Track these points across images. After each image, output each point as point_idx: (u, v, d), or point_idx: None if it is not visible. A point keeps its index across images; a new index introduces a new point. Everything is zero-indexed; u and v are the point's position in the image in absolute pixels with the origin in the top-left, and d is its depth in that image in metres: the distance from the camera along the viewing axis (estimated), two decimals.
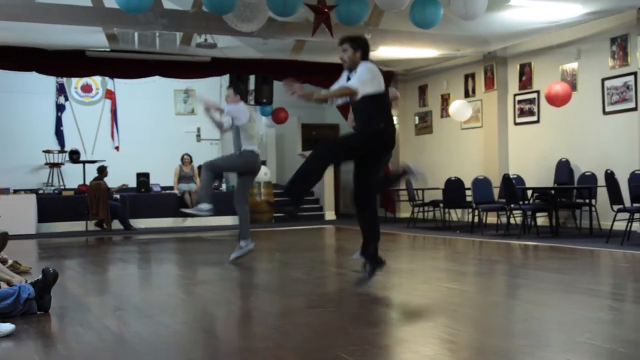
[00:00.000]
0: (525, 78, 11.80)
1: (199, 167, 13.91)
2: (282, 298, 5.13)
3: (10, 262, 6.27)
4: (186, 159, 13.45)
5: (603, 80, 10.20)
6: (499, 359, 3.24)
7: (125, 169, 13.34)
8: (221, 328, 4.33)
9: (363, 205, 5.25)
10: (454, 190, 10.88)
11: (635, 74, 9.63)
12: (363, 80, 4.85)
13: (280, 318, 4.52)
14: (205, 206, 6.82)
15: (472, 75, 12.82)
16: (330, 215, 14.19)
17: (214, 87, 15.04)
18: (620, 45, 9.95)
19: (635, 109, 9.65)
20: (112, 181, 12.70)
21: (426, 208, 12.05)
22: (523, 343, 3.54)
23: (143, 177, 13.35)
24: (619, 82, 9.94)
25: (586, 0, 8.53)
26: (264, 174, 13.70)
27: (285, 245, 9.76)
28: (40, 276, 4.50)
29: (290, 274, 6.22)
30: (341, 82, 5.11)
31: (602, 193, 9.12)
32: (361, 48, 4.99)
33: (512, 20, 9.63)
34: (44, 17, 8.70)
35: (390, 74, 14.29)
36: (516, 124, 12.00)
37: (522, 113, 11.85)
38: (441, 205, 11.47)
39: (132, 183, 13.31)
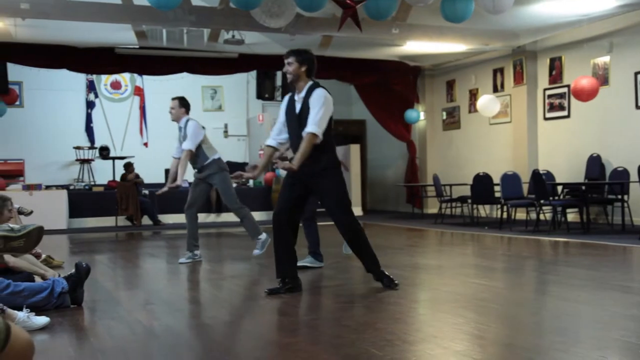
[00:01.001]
0: (556, 72, 11.64)
1: (227, 163, 14.07)
2: (310, 293, 5.14)
3: (43, 256, 6.39)
4: None
5: (636, 74, 10.02)
6: (530, 356, 3.21)
7: (154, 165, 13.49)
8: (250, 322, 4.35)
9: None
10: (482, 186, 10.79)
11: None
12: (318, 120, 4.70)
13: (309, 313, 4.54)
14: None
15: (501, 70, 12.69)
16: (357, 211, 14.16)
17: (241, 84, 15.12)
18: None
19: None
20: (142, 177, 12.84)
21: (454, 204, 11.97)
22: (555, 340, 3.50)
23: None
24: None
25: None
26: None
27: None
28: (73, 270, 4.58)
29: (317, 269, 6.22)
30: (281, 120, 5.02)
31: (635, 189, 8.98)
32: (307, 64, 4.86)
33: (542, 13, 9.50)
34: (75, 15, 8.82)
35: (418, 69, 14.23)
36: (546, 118, 11.85)
37: (552, 108, 11.70)
38: (469, 201, 11.39)
39: (161, 179, 13.43)
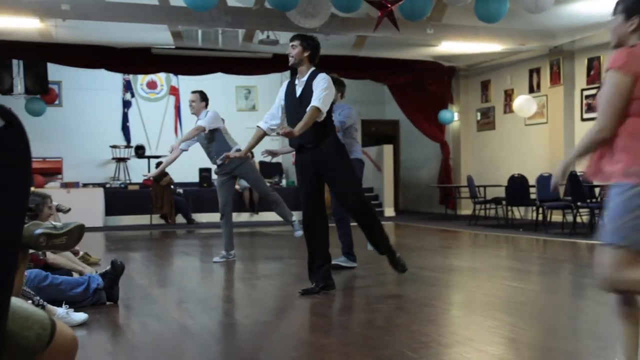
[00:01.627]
0: (594, 72, 11.43)
1: (261, 163, 14.15)
2: (343, 294, 5.14)
3: (81, 253, 6.50)
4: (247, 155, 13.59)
5: None
6: None
7: (188, 164, 13.56)
8: (285, 322, 4.37)
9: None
10: (517, 187, 10.65)
11: None
12: (322, 97, 4.74)
13: (343, 314, 4.53)
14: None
15: (537, 70, 12.51)
16: (389, 212, 14.12)
17: (274, 84, 15.15)
18: None
19: None
20: (176, 176, 12.98)
21: (488, 205, 11.84)
22: (594, 345, 3.44)
23: (205, 173, 13.58)
24: None
25: None
26: None
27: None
28: (108, 267, 4.64)
29: (350, 270, 6.21)
30: (276, 105, 5.12)
31: None
32: (310, 49, 4.92)
33: (581, 12, 9.33)
34: (113, 16, 8.95)
35: (452, 69, 14.11)
36: (583, 119, 11.65)
37: (590, 108, 11.49)
38: (503, 202, 11.25)
39: (195, 178, 13.57)
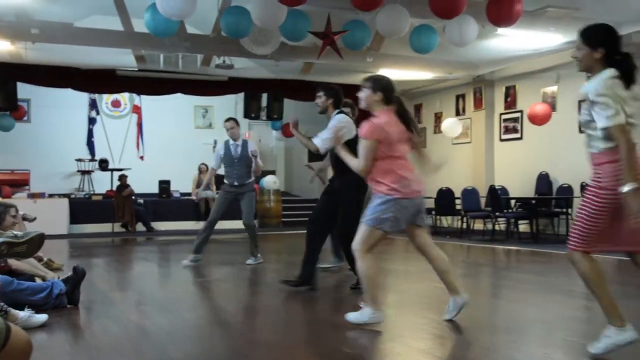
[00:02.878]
0: (510, 99, 11.80)
1: (216, 176, 13.98)
2: (290, 296, 5.11)
3: (45, 259, 6.28)
4: (203, 168, 13.43)
5: (579, 102, 10.15)
6: (486, 353, 3.22)
7: (149, 177, 13.37)
8: (235, 322, 4.31)
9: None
10: (445, 199, 10.86)
11: None
12: (324, 139, 4.92)
13: (289, 314, 4.50)
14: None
15: (463, 96, 12.82)
16: None
17: (230, 104, 15.08)
18: None
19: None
20: (137, 187, 12.74)
21: None
22: (508, 339, 3.52)
23: (164, 184, 13.37)
24: None
25: (566, 31, 8.52)
26: (273, 182, 13.70)
27: (291, 247, 9.74)
28: (71, 273, 4.51)
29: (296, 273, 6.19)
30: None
31: (577, 203, 9.09)
32: (333, 97, 5.13)
33: (500, 47, 9.64)
34: (80, 40, 8.74)
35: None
36: (501, 140, 11.98)
37: (507, 130, 11.84)
38: (433, 212, 11.44)
39: (155, 189, 13.34)
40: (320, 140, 4.92)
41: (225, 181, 7.10)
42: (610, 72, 2.84)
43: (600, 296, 3.02)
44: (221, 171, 7.33)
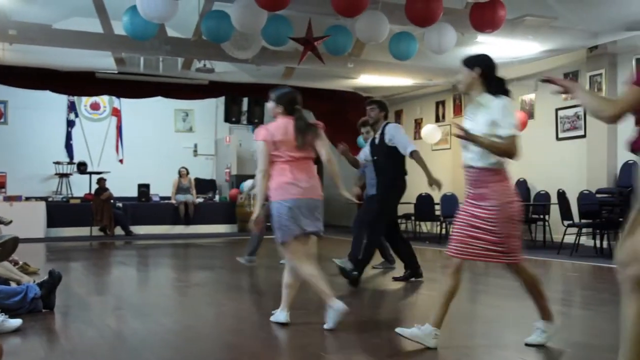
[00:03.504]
0: None
1: (196, 180, 13.91)
2: (265, 300, 5.10)
3: (20, 263, 6.19)
4: (183, 172, 13.37)
5: (557, 110, 10.32)
6: (463, 357, 3.24)
7: (128, 180, 13.25)
8: (211, 327, 4.29)
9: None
10: (424, 204, 10.92)
11: None
12: (409, 143, 5.81)
13: (264, 318, 4.48)
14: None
15: (443, 102, 12.92)
16: None
17: (210, 107, 15.02)
18: (571, 79, 10.06)
19: (584, 136, 9.78)
20: (116, 191, 12.62)
21: (399, 220, 12.04)
22: (484, 343, 3.55)
23: (144, 188, 13.26)
24: (570, 112, 10.08)
25: (543, 40, 8.64)
26: (253, 186, 13.64)
27: (271, 251, 9.71)
28: (47, 277, 4.45)
29: (275, 277, 6.17)
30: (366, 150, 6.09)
31: (555, 210, 9.20)
32: (385, 110, 5.98)
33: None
34: (59, 42, 8.63)
35: (370, 99, 14.36)
36: None
37: None
38: (413, 218, 11.50)
39: (134, 192, 13.23)
40: (411, 147, 5.73)
41: None
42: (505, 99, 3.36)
43: None
44: (204, 175, 7.38)
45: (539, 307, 3.42)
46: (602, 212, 8.14)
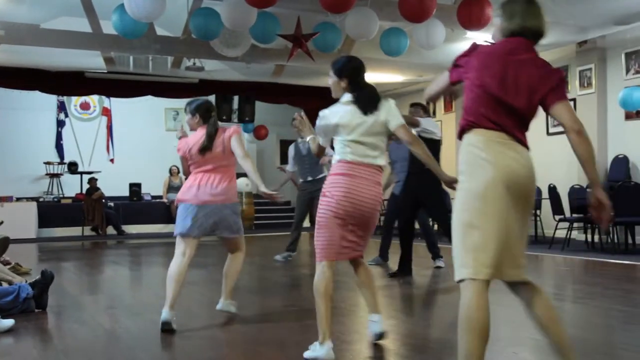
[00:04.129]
0: None
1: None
2: (261, 296, 5.11)
3: (12, 263, 6.17)
4: (174, 171, 13.34)
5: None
6: (450, 352, 3.26)
7: (119, 180, 13.21)
8: (204, 325, 4.29)
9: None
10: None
11: (574, 100, 9.82)
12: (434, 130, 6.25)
13: (258, 314, 4.50)
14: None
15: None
16: (306, 222, 14.13)
17: None
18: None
19: None
20: (108, 190, 12.58)
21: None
22: None
23: (135, 187, 13.23)
24: None
25: None
26: (245, 184, 13.64)
27: (264, 250, 9.72)
28: (38, 277, 4.43)
29: (269, 276, 6.19)
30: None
31: (546, 204, 9.26)
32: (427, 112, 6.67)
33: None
34: (47, 42, 8.60)
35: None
36: None
37: None
38: None
39: (125, 192, 13.18)
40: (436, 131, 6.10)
41: (300, 179, 7.51)
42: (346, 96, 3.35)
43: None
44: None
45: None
46: None
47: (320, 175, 7.25)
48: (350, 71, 3.40)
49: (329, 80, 3.47)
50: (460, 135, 2.52)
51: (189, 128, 4.33)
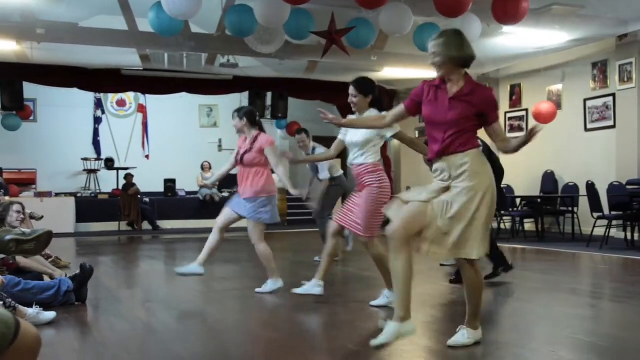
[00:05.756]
0: (515, 97, 11.77)
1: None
2: (293, 294, 5.12)
3: (52, 257, 6.32)
4: (205, 165, 13.47)
5: (585, 100, 10.16)
6: (493, 350, 3.23)
7: (154, 176, 13.42)
8: (239, 319, 4.33)
9: None
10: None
11: (614, 95, 9.60)
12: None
13: (292, 311, 4.52)
14: None
15: None
16: None
17: (234, 103, 15.06)
18: (600, 69, 9.92)
19: (613, 126, 9.61)
20: (143, 186, 12.79)
21: None
22: (514, 336, 3.53)
23: (170, 183, 13.41)
24: (599, 102, 9.91)
25: (571, 29, 8.51)
26: (278, 181, 13.69)
27: (296, 246, 9.75)
28: (78, 271, 4.54)
29: (302, 272, 6.21)
30: None
31: (584, 202, 9.08)
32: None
33: (505, 45, 9.61)
34: (85, 40, 8.77)
35: (393, 92, 14.31)
36: None
37: (512, 129, 11.82)
38: None
39: (160, 188, 13.38)
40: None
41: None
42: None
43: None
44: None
45: (386, 280, 4.20)
46: (633, 203, 8.00)
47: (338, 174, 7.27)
48: (375, 90, 4.24)
49: (353, 99, 4.23)
50: None
51: (236, 130, 5.03)
